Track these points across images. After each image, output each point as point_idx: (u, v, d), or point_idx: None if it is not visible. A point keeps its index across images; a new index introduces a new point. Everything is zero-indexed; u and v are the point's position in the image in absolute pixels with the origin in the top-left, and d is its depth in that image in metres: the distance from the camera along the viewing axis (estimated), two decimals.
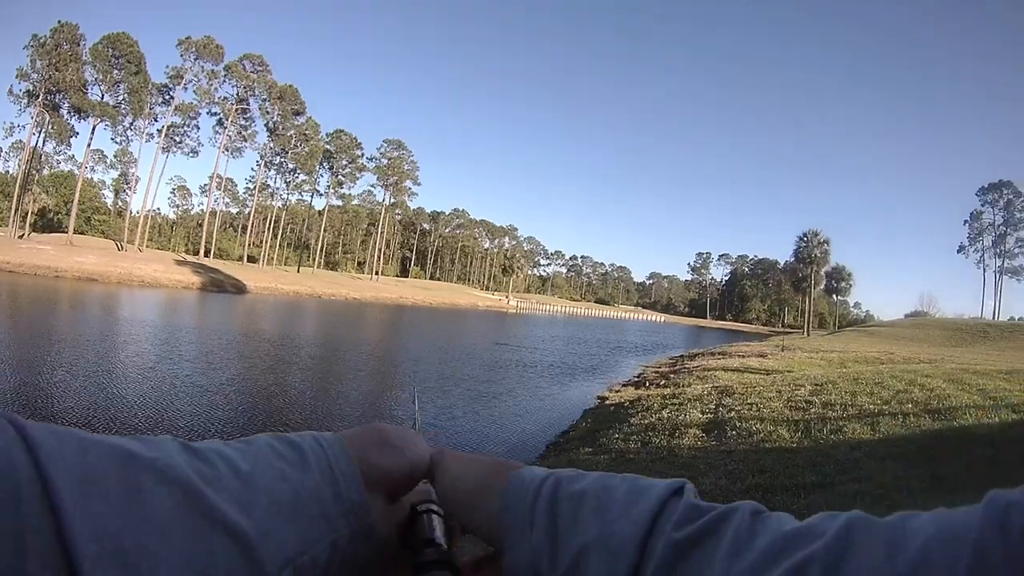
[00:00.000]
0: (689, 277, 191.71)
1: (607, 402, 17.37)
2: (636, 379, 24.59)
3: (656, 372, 26.97)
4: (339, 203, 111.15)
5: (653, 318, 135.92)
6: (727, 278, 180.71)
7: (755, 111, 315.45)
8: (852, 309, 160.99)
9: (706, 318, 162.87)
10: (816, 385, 14.30)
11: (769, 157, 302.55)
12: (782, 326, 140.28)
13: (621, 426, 11.15)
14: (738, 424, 9.76)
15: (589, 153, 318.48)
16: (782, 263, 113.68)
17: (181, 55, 74.73)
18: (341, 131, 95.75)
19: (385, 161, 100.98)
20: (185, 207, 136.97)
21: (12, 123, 76.70)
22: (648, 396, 15.93)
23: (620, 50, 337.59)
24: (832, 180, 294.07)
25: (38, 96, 64.71)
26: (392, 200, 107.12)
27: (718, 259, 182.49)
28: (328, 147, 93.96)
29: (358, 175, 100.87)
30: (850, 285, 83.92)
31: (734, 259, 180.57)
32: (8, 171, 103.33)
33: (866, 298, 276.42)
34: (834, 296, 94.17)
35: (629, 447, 9.16)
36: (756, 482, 6.27)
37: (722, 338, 68.73)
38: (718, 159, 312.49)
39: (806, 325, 77.90)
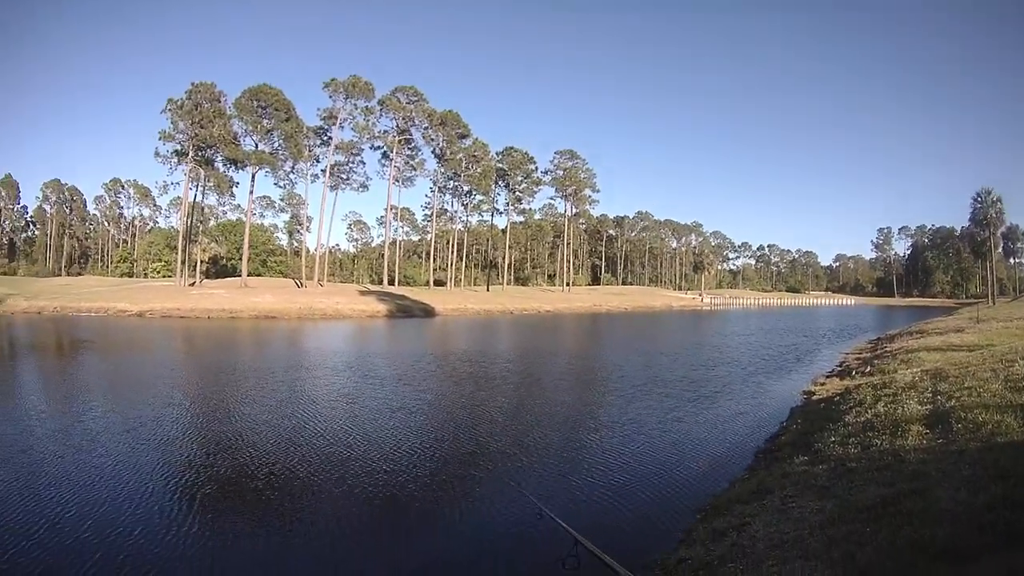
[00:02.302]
0: (873, 255, 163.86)
1: (814, 397, 15.38)
2: (839, 368, 21.62)
3: (857, 359, 23.55)
4: (520, 219, 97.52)
5: (844, 302, 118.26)
6: (909, 252, 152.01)
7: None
8: None
9: (893, 296, 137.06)
10: None
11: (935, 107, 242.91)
12: (966, 297, 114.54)
13: (835, 426, 9.59)
14: (962, 415, 7.88)
15: (757, 136, 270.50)
16: (958, 230, 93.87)
17: (330, 96, 64.80)
18: (512, 148, 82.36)
19: (560, 172, 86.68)
20: (365, 240, 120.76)
21: (166, 181, 73.16)
22: (857, 388, 13.76)
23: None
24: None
25: (187, 154, 58.81)
26: (575, 210, 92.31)
27: (898, 232, 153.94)
28: (500, 166, 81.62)
29: (535, 189, 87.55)
30: None
31: (913, 231, 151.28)
32: (172, 225, 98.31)
33: None
34: (1011, 259, 76.73)
35: (848, 452, 7.74)
36: (1000, 492, 4.83)
37: (911, 315, 57.87)
38: (886, 116, 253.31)
39: (990, 293, 63.79)
